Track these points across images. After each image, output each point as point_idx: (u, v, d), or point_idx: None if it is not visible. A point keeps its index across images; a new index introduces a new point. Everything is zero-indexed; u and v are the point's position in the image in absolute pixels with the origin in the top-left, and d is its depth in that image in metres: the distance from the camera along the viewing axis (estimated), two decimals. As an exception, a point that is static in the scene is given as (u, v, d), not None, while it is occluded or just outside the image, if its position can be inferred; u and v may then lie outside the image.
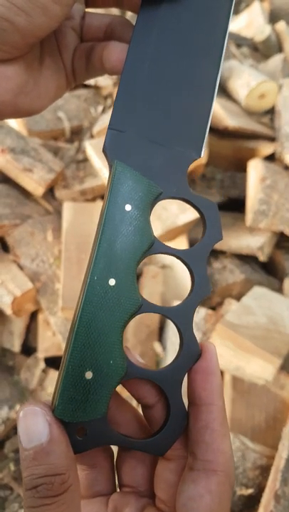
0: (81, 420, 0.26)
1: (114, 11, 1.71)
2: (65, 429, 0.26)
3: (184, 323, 0.29)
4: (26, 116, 0.33)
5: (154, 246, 0.29)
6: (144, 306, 0.28)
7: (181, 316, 0.29)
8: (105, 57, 0.32)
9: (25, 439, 0.24)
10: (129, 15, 1.48)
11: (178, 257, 0.29)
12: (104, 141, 0.29)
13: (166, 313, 0.29)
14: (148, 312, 0.28)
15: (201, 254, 0.29)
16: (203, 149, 0.30)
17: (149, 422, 0.30)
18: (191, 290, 0.29)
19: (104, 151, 0.29)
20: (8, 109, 0.31)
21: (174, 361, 0.29)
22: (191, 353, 0.28)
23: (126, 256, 0.28)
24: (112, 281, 0.27)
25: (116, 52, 0.31)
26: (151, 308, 0.28)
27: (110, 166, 0.29)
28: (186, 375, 0.29)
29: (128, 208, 0.28)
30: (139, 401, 0.30)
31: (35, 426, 0.25)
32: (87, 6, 0.35)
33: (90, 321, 0.27)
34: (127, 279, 0.28)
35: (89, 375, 0.26)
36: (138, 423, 0.31)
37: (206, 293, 0.29)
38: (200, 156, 0.30)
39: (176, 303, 1.08)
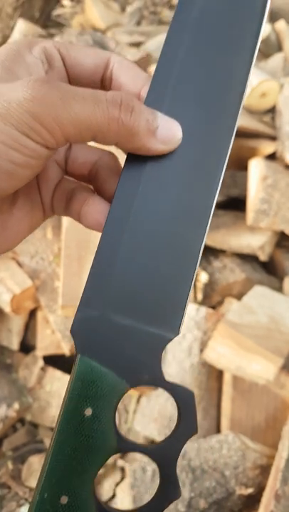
0: None
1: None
2: None
3: None
4: None
5: (118, 445, 0.25)
6: None
7: None
8: (83, 214, 0.28)
9: None
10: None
11: (147, 455, 0.26)
12: (72, 324, 0.26)
13: None
14: None
15: (173, 452, 0.25)
16: (181, 327, 0.27)
17: None
18: (158, 490, 0.26)
19: (71, 334, 0.26)
20: None
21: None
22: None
23: (82, 469, 0.25)
24: (64, 499, 0.24)
25: (94, 213, 0.28)
26: None
27: (75, 356, 0.26)
28: None
29: (88, 412, 0.25)
30: None
31: None
32: None
33: None
34: (82, 495, 0.25)
35: None
36: None
37: (174, 497, 0.25)
38: (177, 335, 0.27)
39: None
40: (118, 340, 0.26)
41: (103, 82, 0.28)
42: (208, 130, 0.27)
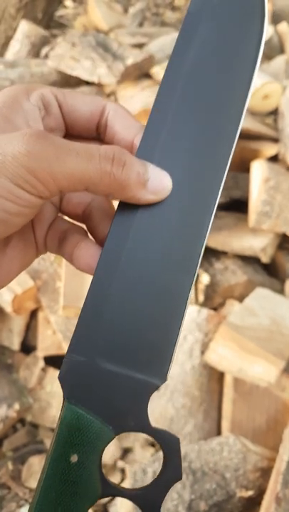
0: None
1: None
2: None
3: None
4: None
5: (103, 490, 0.26)
6: None
7: None
8: (75, 257, 0.29)
9: None
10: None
11: (131, 500, 0.26)
12: (60, 370, 0.27)
13: None
14: None
15: (157, 497, 0.26)
16: (168, 373, 0.27)
17: None
18: None
19: (59, 380, 0.27)
20: None
21: None
22: None
23: None
24: None
25: (86, 257, 0.28)
26: None
27: (63, 402, 0.26)
28: None
29: (74, 459, 0.25)
30: None
31: None
32: None
33: None
34: None
35: None
36: None
37: None
38: (165, 382, 0.27)
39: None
40: (105, 387, 0.26)
41: (98, 129, 0.29)
42: (199, 178, 0.28)
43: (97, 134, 0.29)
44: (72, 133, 0.29)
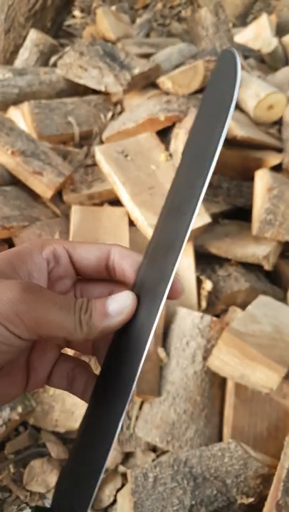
0: None
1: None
2: None
3: None
4: None
5: None
6: None
7: None
8: (87, 393, 0.32)
9: None
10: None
11: None
12: None
13: None
14: None
15: None
16: None
17: None
18: None
19: None
20: None
21: None
22: None
23: None
24: None
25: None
26: None
27: None
28: None
29: None
30: None
31: None
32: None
33: None
34: None
35: None
36: None
37: None
38: None
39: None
40: None
41: (108, 270, 0.33)
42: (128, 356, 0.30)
43: (107, 274, 0.33)
44: (84, 276, 0.34)
